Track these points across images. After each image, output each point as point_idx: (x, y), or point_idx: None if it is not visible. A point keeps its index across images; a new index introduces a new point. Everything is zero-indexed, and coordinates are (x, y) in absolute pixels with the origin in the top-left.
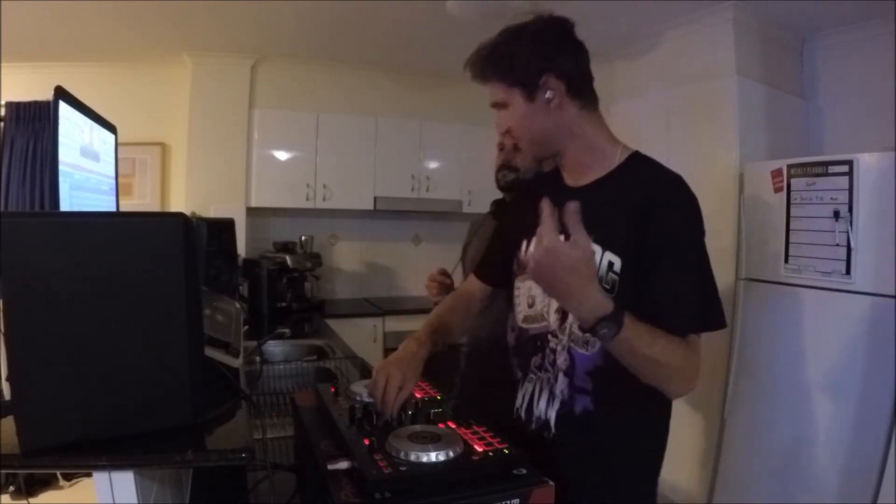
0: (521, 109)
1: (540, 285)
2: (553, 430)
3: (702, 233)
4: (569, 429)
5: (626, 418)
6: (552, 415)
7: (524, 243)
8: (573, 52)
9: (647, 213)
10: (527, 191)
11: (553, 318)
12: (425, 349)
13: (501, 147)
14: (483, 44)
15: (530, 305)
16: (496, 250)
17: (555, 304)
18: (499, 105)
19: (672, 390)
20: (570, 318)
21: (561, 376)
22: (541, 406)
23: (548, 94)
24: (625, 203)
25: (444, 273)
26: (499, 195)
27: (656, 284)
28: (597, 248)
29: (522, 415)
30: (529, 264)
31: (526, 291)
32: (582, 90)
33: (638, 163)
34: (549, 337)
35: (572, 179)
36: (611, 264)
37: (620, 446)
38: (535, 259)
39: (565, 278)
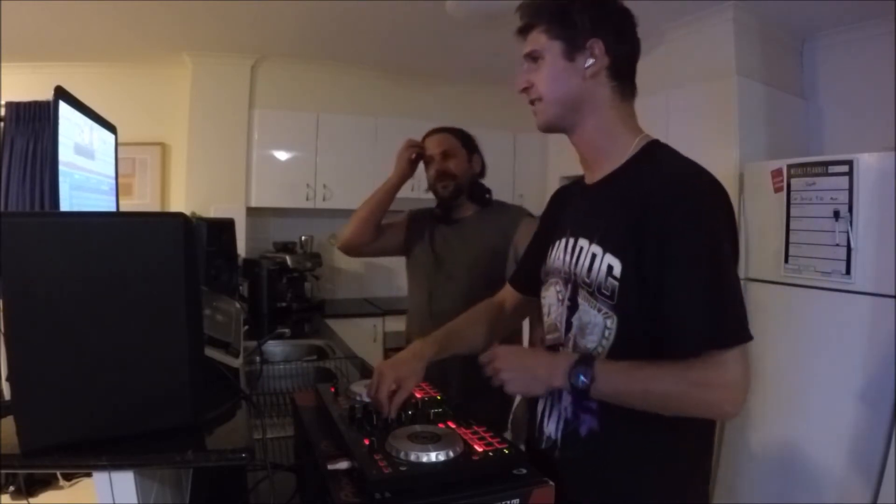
0: (556, 65)
1: (515, 381)
2: (559, 449)
3: (713, 234)
4: (574, 450)
5: (636, 443)
6: (558, 435)
7: (550, 249)
8: (627, 36)
9: (646, 214)
10: (556, 196)
11: (563, 329)
12: (431, 351)
13: (431, 158)
14: None
15: (549, 314)
16: (530, 258)
17: (565, 315)
18: (532, 56)
19: (704, 414)
20: (574, 328)
21: (565, 393)
22: (550, 425)
23: (588, 61)
24: (626, 200)
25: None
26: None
27: (658, 298)
28: (598, 250)
29: (535, 432)
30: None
31: (547, 300)
32: (621, 74)
33: (650, 155)
34: (560, 349)
35: (589, 174)
36: (610, 268)
37: (631, 473)
38: (495, 366)
39: (521, 363)
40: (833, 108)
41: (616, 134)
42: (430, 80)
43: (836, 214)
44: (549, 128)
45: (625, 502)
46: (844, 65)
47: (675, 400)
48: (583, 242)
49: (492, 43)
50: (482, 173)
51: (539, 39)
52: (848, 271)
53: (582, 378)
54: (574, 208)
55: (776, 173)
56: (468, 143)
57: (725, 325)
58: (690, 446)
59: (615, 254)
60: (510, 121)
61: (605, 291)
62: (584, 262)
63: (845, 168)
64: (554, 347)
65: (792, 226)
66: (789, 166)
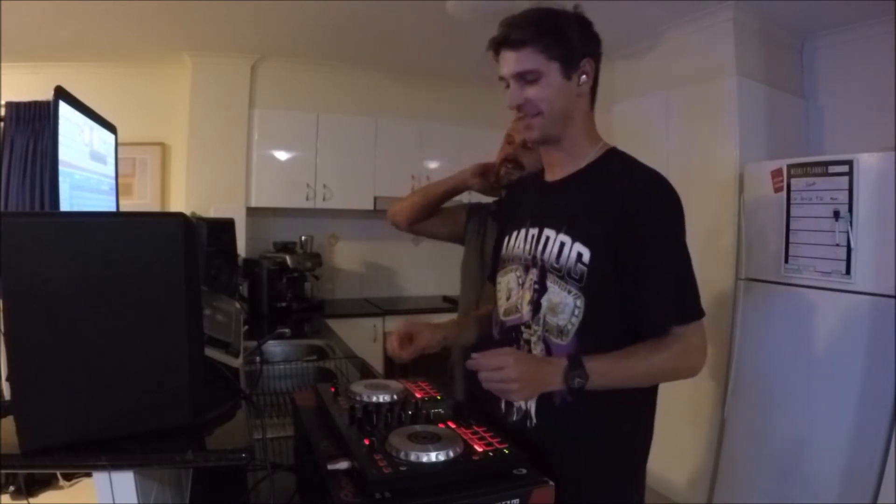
0: (555, 84)
1: (524, 390)
2: (534, 419)
3: (682, 227)
4: (549, 418)
5: (604, 407)
6: (532, 405)
7: (506, 239)
8: (600, 47)
9: (628, 210)
10: (510, 189)
11: (526, 310)
12: (447, 332)
13: (511, 141)
14: (527, 11)
15: (508, 298)
16: (497, 254)
17: (528, 297)
18: (527, 75)
19: (684, 377)
20: (543, 308)
21: None
22: None
23: (582, 78)
24: (600, 197)
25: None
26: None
27: (638, 283)
28: (566, 239)
29: (503, 406)
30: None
31: (505, 284)
32: (595, 86)
33: (615, 158)
34: (523, 329)
35: (551, 174)
36: (580, 255)
37: (601, 434)
38: (508, 375)
39: (527, 369)
40: (833, 108)
41: (584, 139)
42: (431, 80)
43: (836, 214)
44: (544, 140)
45: (602, 456)
46: (844, 65)
47: (665, 373)
48: (549, 232)
49: None
50: None
51: (535, 59)
52: (848, 271)
53: (578, 380)
54: (533, 202)
55: (776, 173)
56: None
57: (694, 304)
58: (647, 403)
59: (585, 243)
60: (510, 121)
61: (574, 275)
62: (552, 249)
63: (845, 168)
64: (514, 329)
65: (792, 226)
66: (789, 166)
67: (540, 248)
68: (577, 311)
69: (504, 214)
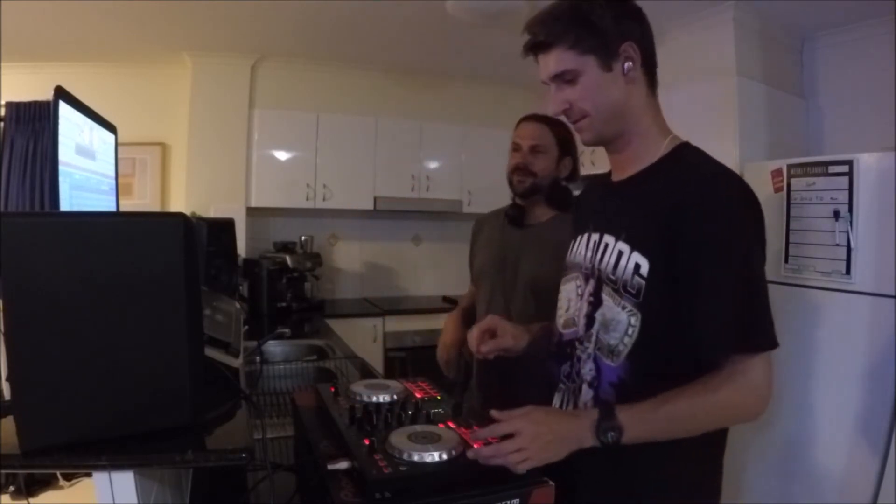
0: (596, 80)
1: (545, 455)
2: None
3: (746, 241)
4: (583, 461)
5: (653, 450)
6: None
7: (572, 244)
8: (646, 26)
9: (679, 217)
10: (583, 192)
11: (581, 324)
12: (529, 336)
13: (517, 147)
14: (550, 7)
15: (567, 309)
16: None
17: (585, 309)
18: (564, 76)
19: (737, 422)
20: (596, 324)
21: (585, 387)
22: None
23: (626, 65)
24: (657, 201)
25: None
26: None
27: (687, 301)
28: (625, 248)
29: None
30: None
31: (566, 294)
32: (650, 66)
33: (681, 155)
34: (577, 344)
35: (618, 172)
36: (637, 266)
37: (646, 469)
38: (520, 445)
39: (547, 429)
40: (833, 108)
41: (649, 133)
42: (431, 80)
43: (836, 214)
44: (599, 141)
45: (650, 480)
46: (844, 65)
47: (716, 419)
48: (608, 239)
49: (492, 43)
50: (571, 177)
51: (568, 58)
52: (848, 271)
53: (611, 434)
54: (598, 204)
55: (776, 173)
56: (564, 144)
57: (754, 332)
58: (705, 449)
59: (643, 252)
60: (510, 121)
61: (630, 289)
62: (610, 258)
63: (845, 168)
64: (570, 343)
65: (792, 226)
66: (789, 166)
67: (598, 256)
68: (630, 331)
69: (573, 217)
